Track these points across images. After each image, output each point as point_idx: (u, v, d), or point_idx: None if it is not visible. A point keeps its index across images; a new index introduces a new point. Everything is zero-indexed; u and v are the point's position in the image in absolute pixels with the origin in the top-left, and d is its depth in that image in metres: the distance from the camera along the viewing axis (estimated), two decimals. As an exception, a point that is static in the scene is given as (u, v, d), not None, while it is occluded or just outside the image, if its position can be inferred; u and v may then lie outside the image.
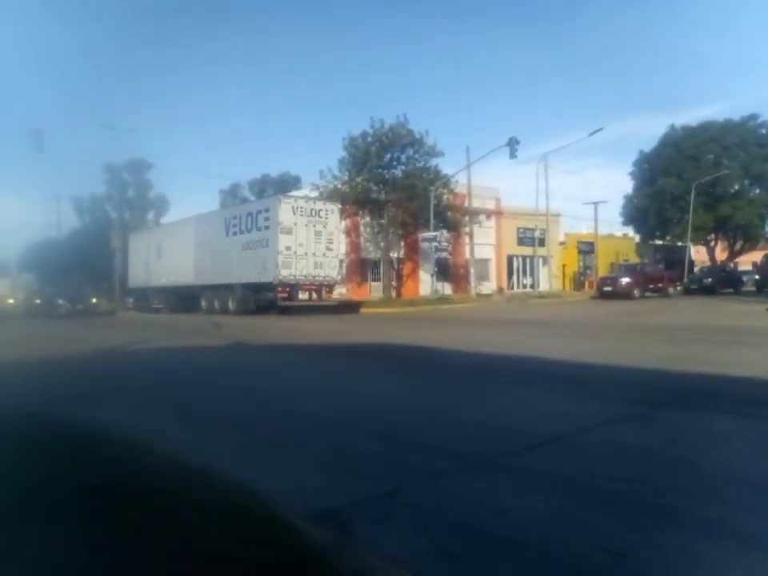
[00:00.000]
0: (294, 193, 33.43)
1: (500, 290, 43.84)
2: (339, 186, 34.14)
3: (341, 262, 25.85)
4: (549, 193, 41.81)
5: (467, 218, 37.33)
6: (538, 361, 9.60)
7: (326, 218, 23.52)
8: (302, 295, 22.93)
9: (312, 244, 22.76)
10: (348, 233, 39.46)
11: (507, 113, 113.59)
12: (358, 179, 34.14)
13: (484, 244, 42.44)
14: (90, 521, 2.33)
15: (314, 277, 23.00)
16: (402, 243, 38.33)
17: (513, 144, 29.91)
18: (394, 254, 37.66)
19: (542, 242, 43.53)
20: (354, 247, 40.17)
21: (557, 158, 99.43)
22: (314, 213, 23.07)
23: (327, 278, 23.74)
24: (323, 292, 23.99)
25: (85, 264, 52.06)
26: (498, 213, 45.82)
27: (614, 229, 59.45)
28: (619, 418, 5.71)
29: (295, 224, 22.28)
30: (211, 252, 25.90)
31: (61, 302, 28.56)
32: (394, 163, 35.15)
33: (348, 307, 26.06)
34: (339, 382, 8.34)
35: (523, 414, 6.00)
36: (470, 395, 7.11)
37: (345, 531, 3.16)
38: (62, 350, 13.02)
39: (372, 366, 9.90)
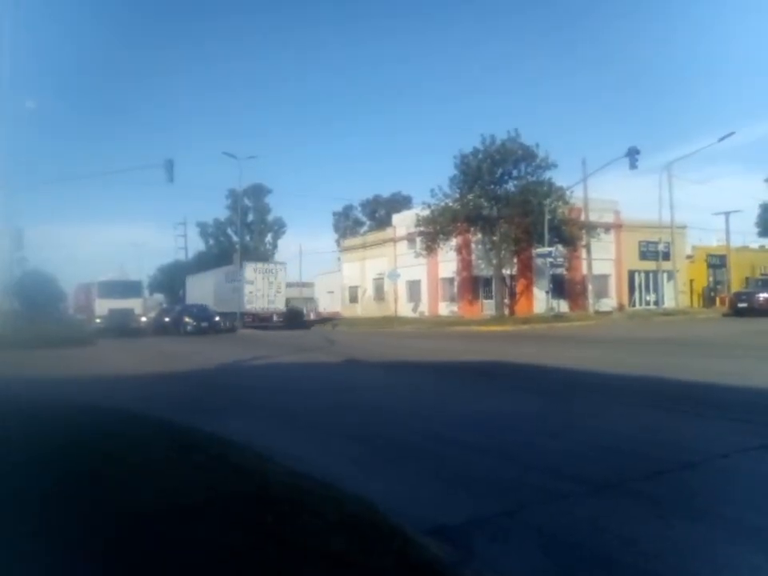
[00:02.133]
0: (403, 212, 42.54)
1: (621, 306, 41.72)
2: (450, 204, 34.15)
3: (286, 299, 38.61)
4: (673, 204, 39.42)
5: (584, 232, 35.96)
6: (665, 381, 9.04)
7: (276, 273, 36.77)
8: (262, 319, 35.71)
9: (264, 289, 36.05)
10: (459, 250, 39.30)
11: (625, 122, 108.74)
12: (470, 196, 33.97)
13: (603, 259, 40.66)
14: (225, 524, 2.47)
15: (266, 309, 36.08)
16: (515, 260, 37.51)
17: (632, 154, 28.58)
18: (506, 271, 36.98)
19: (666, 256, 40.96)
20: (466, 265, 39.91)
21: (682, 166, 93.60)
22: (267, 271, 36.61)
23: (276, 309, 36.51)
24: (274, 317, 36.20)
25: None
26: (618, 226, 43.81)
27: (748, 240, 54.96)
28: (761, 444, 5.24)
29: (254, 279, 35.91)
30: (221, 291, 39.20)
31: (187, 319, 31.78)
32: (506, 178, 34.67)
33: (295, 323, 38.10)
34: (454, 399, 8.29)
35: (651, 437, 5.67)
36: (592, 416, 6.81)
37: (464, 548, 3.13)
38: (192, 364, 13.97)
39: (488, 385, 9.76)
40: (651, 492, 4.03)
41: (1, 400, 6.25)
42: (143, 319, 33.72)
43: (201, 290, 44.05)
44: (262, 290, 35.88)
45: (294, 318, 37.14)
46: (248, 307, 35.28)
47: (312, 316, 51.48)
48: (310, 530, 2.47)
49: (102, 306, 32.78)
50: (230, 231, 71.34)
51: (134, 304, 33.64)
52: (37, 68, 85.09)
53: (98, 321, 32.50)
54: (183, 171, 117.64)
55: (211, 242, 72.00)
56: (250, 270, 35.97)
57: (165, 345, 23.16)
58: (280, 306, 36.66)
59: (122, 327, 31.36)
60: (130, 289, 34.55)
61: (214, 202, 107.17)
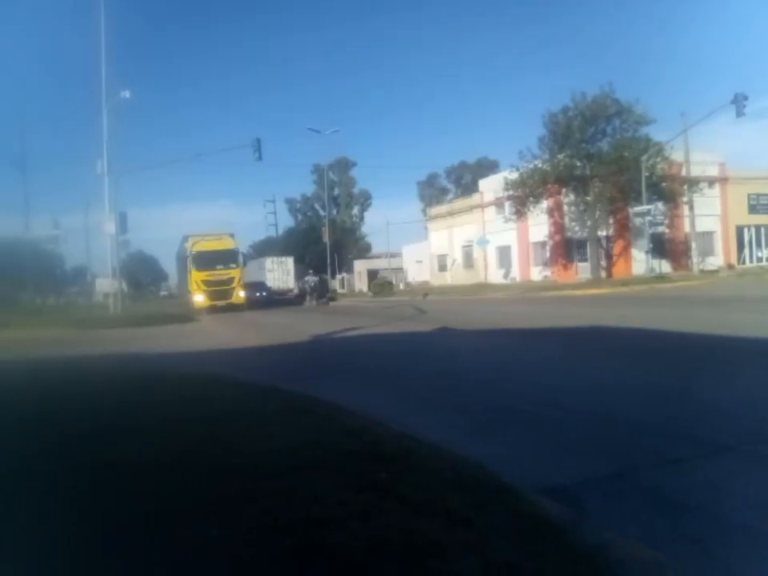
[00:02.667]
0: (490, 177, 48.48)
1: (729, 265, 39.17)
2: (540, 165, 33.09)
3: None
4: (787, 151, 36.27)
5: (685, 188, 33.84)
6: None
7: (286, 264, 52.96)
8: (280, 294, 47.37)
9: (279, 274, 51.44)
10: (550, 213, 38.12)
11: (727, 66, 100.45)
12: (560, 156, 32.74)
13: (707, 215, 38.18)
14: (342, 480, 2.56)
15: (281, 287, 50.17)
16: (611, 220, 35.93)
17: (739, 100, 26.42)
18: (602, 233, 35.53)
19: (780, 209, 37.99)
20: (558, 227, 38.70)
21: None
22: (280, 262, 52.81)
23: (288, 287, 50.58)
24: (288, 293, 48.81)
25: (299, 259, 57.95)
26: (723, 179, 40.93)
27: None
28: None
29: (273, 268, 52.07)
30: (257, 275, 48.67)
31: (257, 294, 39.14)
32: (599, 136, 33.11)
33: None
34: (554, 365, 8.12)
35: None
36: (702, 379, 6.47)
37: (576, 507, 3.08)
38: (291, 335, 14.47)
39: (588, 349, 9.47)
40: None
41: (124, 372, 6.77)
42: (241, 294, 32.16)
43: (250, 273, 50.27)
44: (277, 275, 51.09)
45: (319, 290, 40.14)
46: (269, 285, 47.80)
47: (401, 286, 51.81)
48: (424, 486, 2.51)
49: (199, 279, 31.28)
50: (317, 206, 72.76)
51: (233, 274, 32.05)
52: (130, 60, 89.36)
53: (197, 296, 31.14)
54: (270, 149, 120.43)
55: (300, 217, 73.78)
56: (269, 263, 52.05)
57: (258, 317, 24.10)
58: (290, 284, 51.64)
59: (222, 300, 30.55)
60: (228, 257, 32.49)
61: (301, 178, 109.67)
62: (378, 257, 64.13)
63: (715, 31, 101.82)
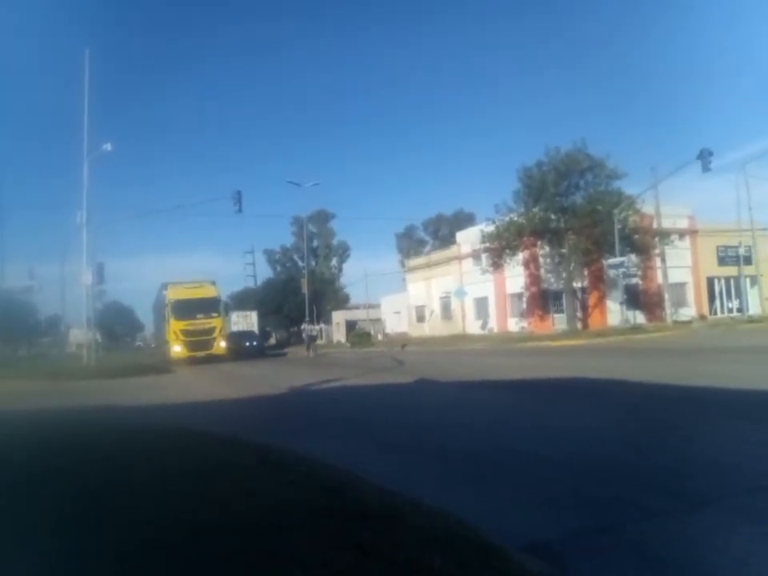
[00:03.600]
0: (467, 230, 48.63)
1: (701, 316, 39.86)
2: (515, 218, 33.71)
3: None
4: (752, 205, 37.53)
5: (657, 240, 34.66)
6: (759, 393, 8.54)
7: (250, 317, 54.14)
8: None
9: (243, 327, 49.72)
10: (526, 265, 38.64)
11: (692, 121, 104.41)
12: (535, 209, 33.42)
13: (679, 267, 39.06)
14: (323, 540, 2.50)
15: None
16: (586, 272, 36.54)
17: (705, 156, 27.39)
18: (577, 284, 36.05)
19: (748, 260, 38.87)
20: (534, 279, 39.18)
21: (758, 164, 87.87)
22: (245, 316, 53.98)
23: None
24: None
25: (278, 310, 57.80)
26: (693, 231, 42.07)
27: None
28: None
29: (237, 321, 50.78)
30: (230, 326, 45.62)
31: (247, 344, 37.96)
32: (573, 190, 33.95)
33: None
34: (537, 417, 8.10)
35: (751, 450, 5.34)
36: (682, 430, 6.50)
37: (559, 564, 3.04)
38: (265, 387, 14.26)
39: (568, 401, 9.48)
40: (756, 507, 3.79)
41: (95, 426, 6.58)
42: (222, 344, 30.23)
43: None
44: (241, 327, 50.45)
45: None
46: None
47: (380, 337, 51.67)
48: (407, 545, 2.46)
49: (178, 328, 29.46)
50: (296, 257, 72.93)
51: (215, 323, 30.19)
52: (111, 110, 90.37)
53: (175, 347, 29.27)
54: (250, 201, 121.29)
55: (278, 268, 73.79)
56: (234, 316, 52.30)
57: (234, 368, 23.78)
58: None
59: (202, 350, 28.99)
60: (209, 306, 30.57)
61: (280, 229, 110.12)
62: (357, 308, 64.16)
63: (683, 87, 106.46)
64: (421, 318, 53.92)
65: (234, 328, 48.93)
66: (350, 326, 55.75)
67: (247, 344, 38.56)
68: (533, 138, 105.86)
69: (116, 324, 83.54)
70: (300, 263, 67.96)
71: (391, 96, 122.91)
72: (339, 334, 57.56)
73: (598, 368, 13.51)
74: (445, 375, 14.70)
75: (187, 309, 29.65)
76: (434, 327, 49.85)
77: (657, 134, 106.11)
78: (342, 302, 71.18)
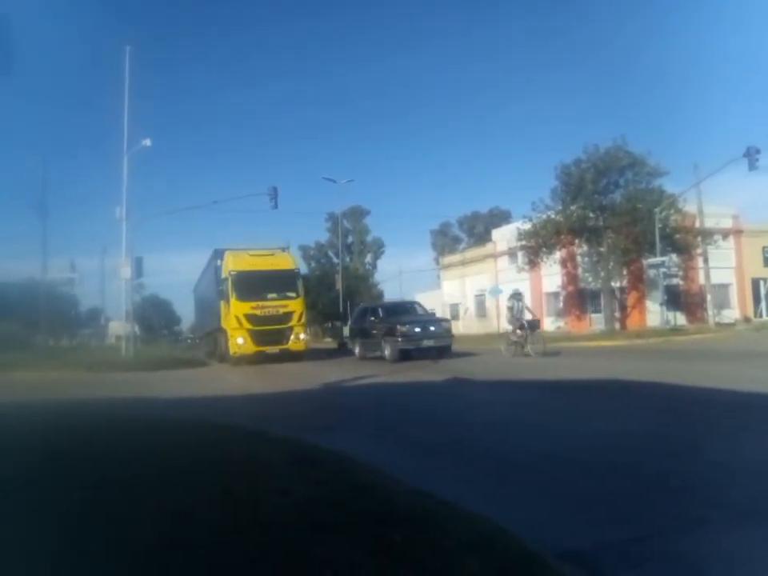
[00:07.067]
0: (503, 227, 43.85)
1: (746, 318, 38.65)
2: (553, 216, 33.19)
3: None
4: (801, 205, 36.22)
5: (699, 240, 33.73)
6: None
7: None
8: None
9: None
10: (564, 263, 38.05)
11: (739, 118, 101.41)
12: (573, 207, 32.85)
13: (722, 267, 37.97)
14: (353, 543, 2.41)
15: None
16: (625, 271, 35.77)
17: (752, 153, 26.53)
18: (615, 284, 35.32)
19: (795, 262, 37.59)
20: (572, 278, 38.56)
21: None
22: None
23: None
24: None
25: (312, 306, 58.18)
26: (738, 231, 40.85)
27: None
28: None
29: None
30: None
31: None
32: (612, 188, 33.26)
33: None
34: (570, 420, 7.87)
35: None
36: (725, 437, 6.22)
37: (596, 574, 2.90)
38: (299, 382, 14.28)
39: (605, 403, 9.22)
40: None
41: (127, 417, 6.65)
42: (302, 336, 22.84)
43: None
44: None
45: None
46: None
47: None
48: (442, 550, 2.35)
49: (241, 312, 21.79)
50: (330, 253, 73.36)
51: (293, 307, 22.55)
52: (151, 108, 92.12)
53: (237, 338, 21.75)
54: (285, 197, 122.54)
55: (313, 264, 74.30)
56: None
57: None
58: None
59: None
60: (285, 282, 22.94)
61: (315, 225, 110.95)
62: (391, 304, 64.17)
63: (730, 84, 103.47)
64: (455, 316, 53.63)
65: None
66: (384, 322, 55.74)
67: None
68: (571, 135, 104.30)
69: (154, 317, 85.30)
70: (334, 259, 68.34)
71: (427, 92, 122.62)
72: (373, 331, 57.68)
73: (638, 370, 13.14)
74: (476, 374, 14.47)
75: (255, 285, 21.91)
76: (468, 325, 49.52)
77: (702, 132, 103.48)
78: (376, 298, 71.31)
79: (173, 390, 13.64)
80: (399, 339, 19.44)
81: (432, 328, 20.34)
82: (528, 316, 20.37)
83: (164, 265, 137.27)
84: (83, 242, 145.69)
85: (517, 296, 20.38)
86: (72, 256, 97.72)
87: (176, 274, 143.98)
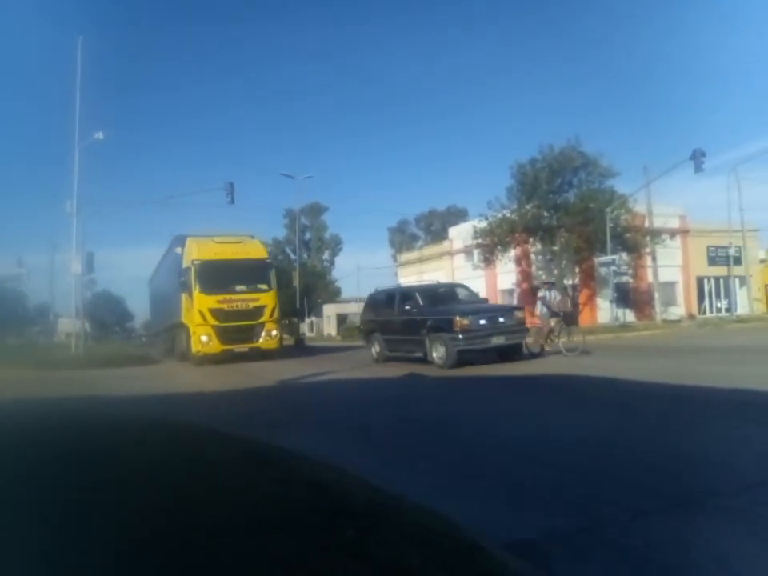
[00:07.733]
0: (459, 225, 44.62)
1: (690, 315, 40.08)
2: (508, 215, 33.71)
3: None
4: (743, 206, 37.79)
5: (648, 239, 34.80)
6: (744, 391, 8.53)
7: None
8: None
9: None
10: (518, 261, 38.70)
11: (686, 122, 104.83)
12: (528, 206, 33.43)
13: (669, 266, 39.23)
14: (306, 539, 2.45)
15: None
16: (577, 269, 36.66)
17: (697, 156, 27.42)
18: (568, 281, 36.14)
19: (737, 261, 39.12)
20: (526, 276, 39.26)
21: (749, 166, 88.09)
22: None
23: None
24: None
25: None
26: (684, 231, 42.25)
27: (827, 241, 51.93)
28: None
29: None
30: None
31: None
32: (566, 187, 33.97)
33: None
34: (520, 414, 8.08)
35: (739, 449, 5.34)
36: (669, 429, 6.49)
37: (542, 565, 3.02)
38: (252, 380, 14.20)
39: (552, 399, 9.47)
40: (741, 507, 3.78)
41: (76, 417, 6.51)
42: (273, 333, 20.74)
43: None
44: None
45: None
46: None
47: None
48: (390, 544, 2.42)
49: (206, 307, 19.63)
50: (288, 250, 72.81)
51: (264, 300, 20.61)
52: (103, 101, 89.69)
53: (201, 336, 19.60)
54: (242, 192, 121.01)
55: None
56: None
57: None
58: None
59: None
60: (255, 272, 21.05)
61: (272, 221, 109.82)
62: (348, 301, 64.14)
63: (678, 88, 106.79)
64: (412, 313, 53.90)
65: None
66: (341, 319, 55.72)
67: None
68: (526, 135, 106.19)
69: (105, 313, 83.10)
70: (292, 256, 67.73)
71: (385, 90, 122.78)
72: (330, 327, 57.55)
73: (589, 366, 13.51)
74: (434, 370, 14.62)
75: (222, 276, 19.75)
76: (424, 322, 49.79)
77: (651, 134, 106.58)
78: (334, 295, 71.21)
79: (122, 388, 13.40)
80: (460, 336, 14.05)
81: (502, 319, 14.99)
82: (565, 306, 17.54)
83: (117, 260, 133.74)
84: (32, 237, 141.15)
85: (549, 284, 18.10)
86: (20, 251, 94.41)
87: (129, 270, 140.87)
